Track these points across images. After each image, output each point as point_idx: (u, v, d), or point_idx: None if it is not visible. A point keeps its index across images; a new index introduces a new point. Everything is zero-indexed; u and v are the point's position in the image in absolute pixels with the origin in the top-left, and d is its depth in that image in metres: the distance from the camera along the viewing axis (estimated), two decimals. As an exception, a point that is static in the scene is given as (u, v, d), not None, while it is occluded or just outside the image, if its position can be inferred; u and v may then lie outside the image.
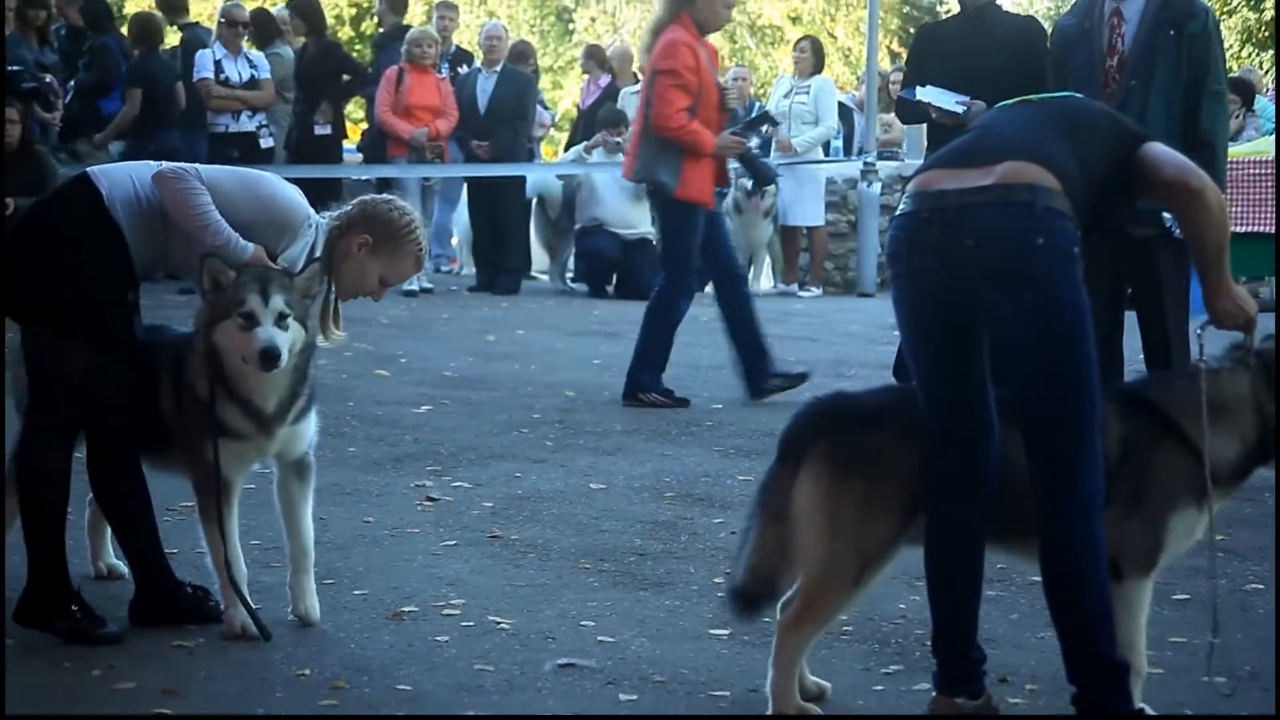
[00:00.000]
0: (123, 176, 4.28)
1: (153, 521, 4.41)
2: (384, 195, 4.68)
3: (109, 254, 4.22)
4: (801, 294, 13.23)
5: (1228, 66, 8.24)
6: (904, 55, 26.68)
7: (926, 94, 7.07)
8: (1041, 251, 3.41)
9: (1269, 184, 11.10)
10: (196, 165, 4.37)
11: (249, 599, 4.28)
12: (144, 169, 4.33)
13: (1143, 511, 3.63)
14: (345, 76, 12.45)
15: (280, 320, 4.16)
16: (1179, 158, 3.62)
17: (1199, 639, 3.77)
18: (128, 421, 4.30)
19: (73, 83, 12.05)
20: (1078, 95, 3.89)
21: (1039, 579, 3.66)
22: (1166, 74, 5.73)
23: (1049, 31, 7.15)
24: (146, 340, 4.43)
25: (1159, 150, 3.63)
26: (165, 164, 4.36)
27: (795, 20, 34.21)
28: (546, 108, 14.12)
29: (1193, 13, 5.85)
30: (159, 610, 4.34)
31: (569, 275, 13.20)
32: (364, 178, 13.02)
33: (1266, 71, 16.56)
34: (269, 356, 4.12)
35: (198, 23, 13.97)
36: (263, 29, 12.58)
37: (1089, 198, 3.55)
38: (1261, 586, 4.89)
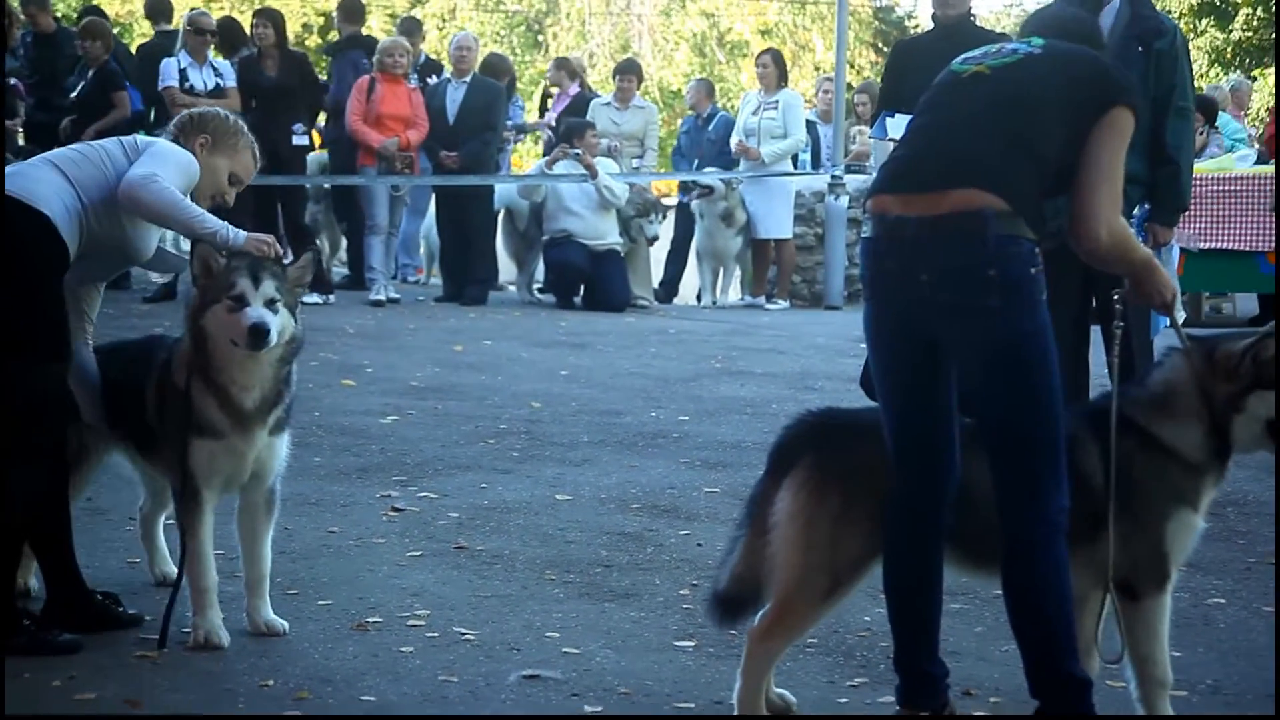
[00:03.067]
0: (52, 197, 4.23)
1: (68, 526, 4.40)
2: (194, 110, 4.81)
3: (60, 273, 4.27)
4: (768, 306, 13.25)
5: (1196, 86, 8.32)
6: (878, 66, 26.81)
7: (898, 129, 7.09)
8: (994, 284, 3.41)
9: (1232, 201, 11.24)
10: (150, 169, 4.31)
11: (217, 607, 4.27)
12: (58, 182, 4.27)
13: (1140, 528, 3.64)
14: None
15: (270, 304, 4.22)
16: (1095, 196, 3.50)
17: (1173, 653, 3.79)
18: (63, 425, 4.31)
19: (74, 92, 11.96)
20: (1035, 51, 3.65)
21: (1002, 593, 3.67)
22: None
23: None
24: (147, 344, 4.55)
25: (1090, 174, 3.51)
26: (63, 156, 4.35)
27: (766, 34, 34.34)
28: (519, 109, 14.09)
29: (1161, 30, 5.89)
30: (69, 616, 4.31)
31: (537, 286, 13.20)
32: (330, 185, 13.02)
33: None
34: (258, 333, 4.16)
35: (175, 30, 13.88)
36: (229, 38, 12.54)
37: (1048, 179, 3.52)
38: (1223, 600, 4.92)
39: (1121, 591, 3.66)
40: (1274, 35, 24.70)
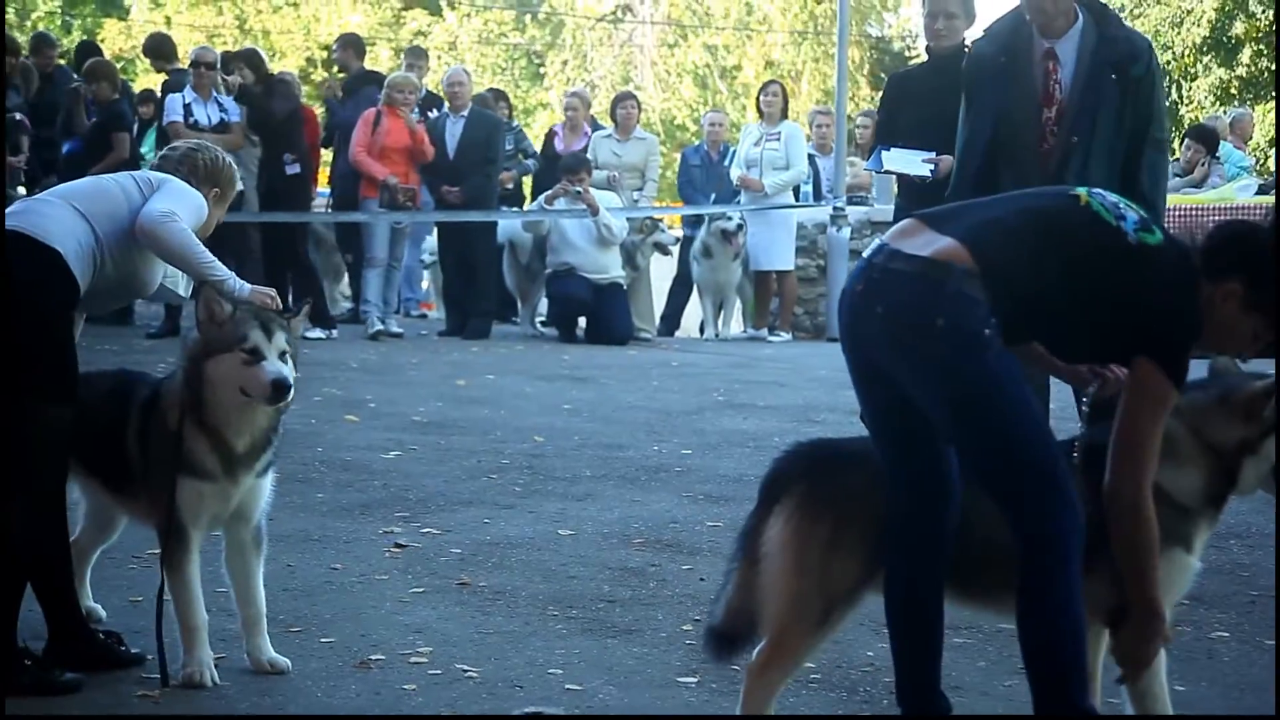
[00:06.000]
0: (64, 235, 4.26)
1: (70, 565, 4.41)
2: (196, 143, 4.87)
3: (69, 307, 4.30)
4: (771, 339, 13.28)
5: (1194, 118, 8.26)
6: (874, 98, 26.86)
7: (893, 162, 7.10)
8: (940, 332, 3.38)
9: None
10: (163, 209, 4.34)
11: (207, 646, 4.26)
12: (71, 218, 4.30)
13: None
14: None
15: (281, 356, 4.22)
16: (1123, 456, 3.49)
17: (1176, 687, 3.79)
18: (66, 466, 4.32)
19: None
20: (1151, 243, 3.54)
21: (1005, 627, 3.66)
22: (1109, 125, 5.44)
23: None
24: (123, 380, 4.52)
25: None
26: (76, 191, 4.39)
27: (769, 66, 34.42)
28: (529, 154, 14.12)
29: (1135, 54, 5.51)
30: (70, 656, 4.29)
31: (539, 319, 13.22)
32: (335, 221, 13.06)
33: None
34: (280, 388, 4.17)
35: (184, 69, 13.93)
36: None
37: (1048, 303, 3.46)
38: (1226, 634, 4.91)
39: (1118, 629, 3.64)
40: (1275, 68, 24.70)
